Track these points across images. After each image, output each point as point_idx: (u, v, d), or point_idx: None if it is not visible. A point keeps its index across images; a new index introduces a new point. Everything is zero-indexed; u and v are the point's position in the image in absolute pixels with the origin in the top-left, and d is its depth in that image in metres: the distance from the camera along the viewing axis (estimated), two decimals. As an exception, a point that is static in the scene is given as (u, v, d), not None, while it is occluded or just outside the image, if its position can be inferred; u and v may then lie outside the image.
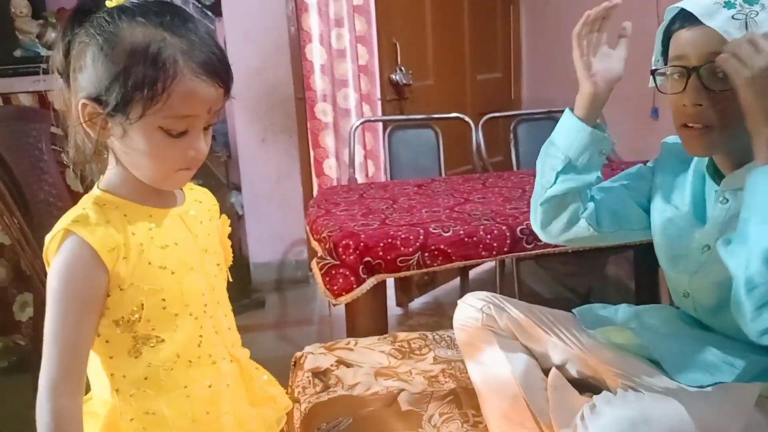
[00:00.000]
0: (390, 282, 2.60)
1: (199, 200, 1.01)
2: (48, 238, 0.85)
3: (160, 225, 0.91)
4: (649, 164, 1.24)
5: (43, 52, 3.23)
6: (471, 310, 1.30)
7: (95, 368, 0.90)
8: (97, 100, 0.82)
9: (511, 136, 3.11)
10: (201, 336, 0.94)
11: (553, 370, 1.24)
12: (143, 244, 0.87)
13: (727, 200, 1.03)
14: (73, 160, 0.91)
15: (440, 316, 2.95)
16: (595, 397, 0.97)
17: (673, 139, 1.15)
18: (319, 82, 3.53)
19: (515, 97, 3.95)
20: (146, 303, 0.87)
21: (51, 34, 3.26)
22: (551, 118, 3.16)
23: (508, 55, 3.93)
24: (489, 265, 3.23)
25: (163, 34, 0.81)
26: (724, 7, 0.94)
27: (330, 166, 3.65)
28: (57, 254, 0.83)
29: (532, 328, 1.25)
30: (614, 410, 0.91)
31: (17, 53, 3.22)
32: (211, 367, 0.95)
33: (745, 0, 0.94)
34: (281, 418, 1.10)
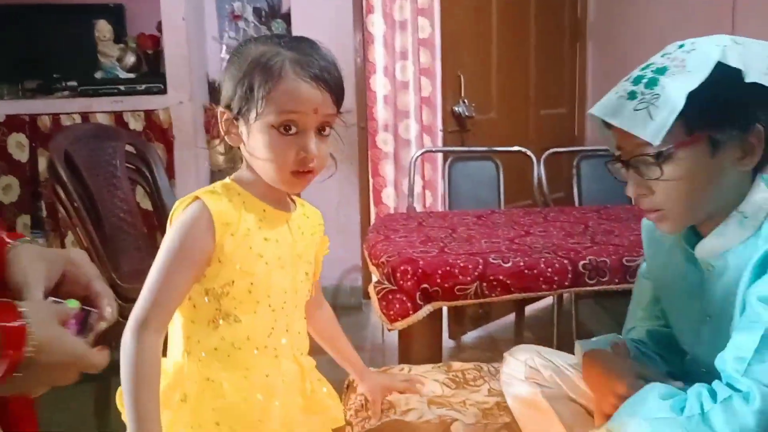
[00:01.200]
0: (444, 314, 2.58)
1: (307, 215, 1.14)
2: (177, 202, 0.99)
3: (269, 220, 1.02)
4: (642, 270, 1.24)
5: (122, 74, 3.40)
6: (516, 363, 1.30)
7: (175, 329, 1.01)
8: (228, 107, 0.98)
9: (574, 171, 3.07)
10: (273, 328, 1.03)
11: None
12: (250, 230, 0.98)
13: (713, 267, 1.00)
14: (218, 167, 1.08)
15: (493, 351, 2.89)
16: None
17: None
18: (381, 112, 3.58)
19: (579, 134, 3.90)
20: (237, 282, 0.98)
21: (130, 58, 3.43)
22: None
23: (573, 91, 3.89)
24: (546, 301, 3.16)
25: (279, 48, 0.96)
26: (628, 99, 0.94)
27: (388, 195, 3.68)
28: (182, 213, 0.96)
29: (577, 379, 1.22)
30: None
31: (98, 75, 3.41)
32: (273, 360, 1.04)
33: (646, 85, 0.93)
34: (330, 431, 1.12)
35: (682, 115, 0.90)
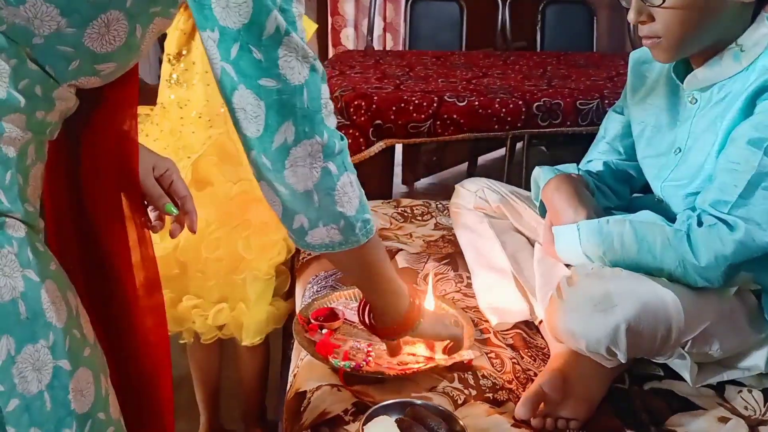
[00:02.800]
0: (398, 160, 2.59)
1: None
2: None
3: None
4: (617, 104, 1.23)
5: None
6: (466, 193, 1.31)
7: None
8: None
9: (539, 17, 2.98)
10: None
11: (538, 245, 1.25)
12: None
13: (696, 99, 1.01)
14: None
15: (444, 198, 2.95)
16: (573, 268, 0.98)
17: (640, 50, 1.14)
18: (341, -56, 3.34)
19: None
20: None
21: None
22: (582, 2, 3.01)
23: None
24: (498, 152, 3.20)
25: None
26: None
27: (347, 36, 3.53)
28: None
29: (522, 209, 1.25)
30: (590, 283, 0.91)
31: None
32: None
33: None
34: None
35: None
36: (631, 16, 0.98)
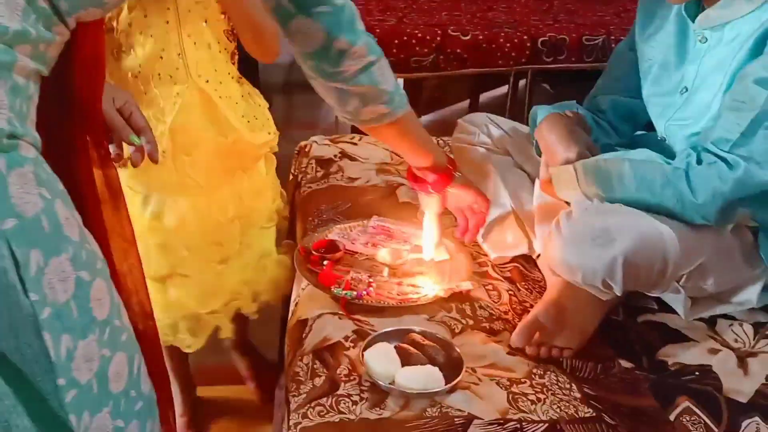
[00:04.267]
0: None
1: None
2: None
3: None
4: (625, 41, 1.21)
5: None
6: (468, 128, 1.30)
7: None
8: None
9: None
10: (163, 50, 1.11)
11: (538, 182, 1.25)
12: None
13: (706, 39, 1.00)
14: None
15: (445, 134, 2.94)
16: (573, 203, 0.98)
17: None
18: None
19: None
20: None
21: None
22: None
23: None
24: (501, 90, 3.16)
25: None
26: None
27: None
28: None
29: (524, 145, 1.25)
30: (588, 217, 0.92)
31: None
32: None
33: None
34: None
35: None
36: None
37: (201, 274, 1.24)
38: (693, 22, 1.01)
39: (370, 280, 1.06)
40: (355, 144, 1.63)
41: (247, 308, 1.31)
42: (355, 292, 1.01)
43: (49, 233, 0.57)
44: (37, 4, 0.59)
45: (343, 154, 1.57)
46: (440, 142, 1.67)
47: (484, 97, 3.26)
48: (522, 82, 2.93)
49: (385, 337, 0.91)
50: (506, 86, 2.79)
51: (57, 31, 0.63)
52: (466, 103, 3.22)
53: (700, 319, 1.02)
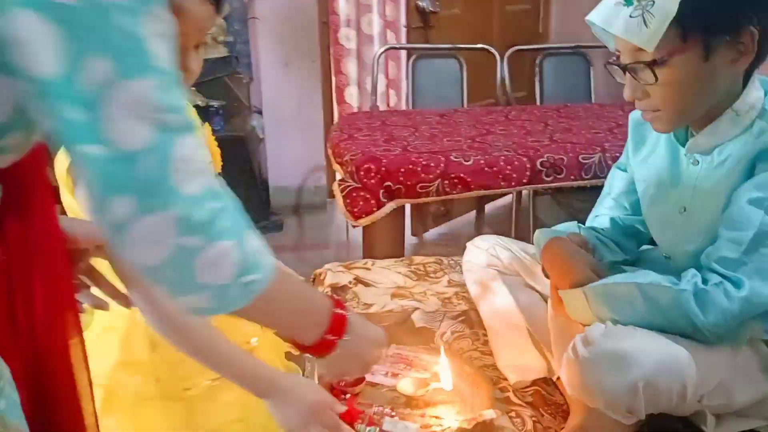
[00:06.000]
0: (406, 212, 2.65)
1: None
2: None
3: None
4: (620, 161, 1.27)
5: None
6: (478, 251, 1.35)
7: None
8: None
9: (537, 70, 3.07)
10: None
11: (551, 302, 1.28)
12: None
13: (698, 161, 1.05)
14: None
15: (454, 247, 2.98)
16: (587, 328, 1.00)
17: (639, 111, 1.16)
18: (343, 6, 3.46)
19: (543, 30, 3.86)
20: None
21: None
22: (578, 54, 3.11)
23: (538, -14, 3.82)
24: (505, 200, 3.25)
25: None
26: (624, 5, 0.94)
27: (351, 94, 3.63)
28: None
29: (534, 266, 1.29)
30: (604, 342, 0.93)
31: None
32: None
33: None
34: None
35: (677, 21, 0.91)
36: (626, 93, 1.02)
37: None
38: (683, 146, 1.08)
39: (393, 414, 1.06)
40: (368, 269, 1.67)
41: None
42: (378, 428, 1.01)
43: None
44: None
45: (358, 280, 1.61)
46: (451, 261, 1.72)
47: (490, 207, 3.35)
48: (525, 192, 3.02)
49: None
50: (510, 196, 2.88)
51: None
52: (472, 214, 3.31)
53: (729, 436, 1.01)
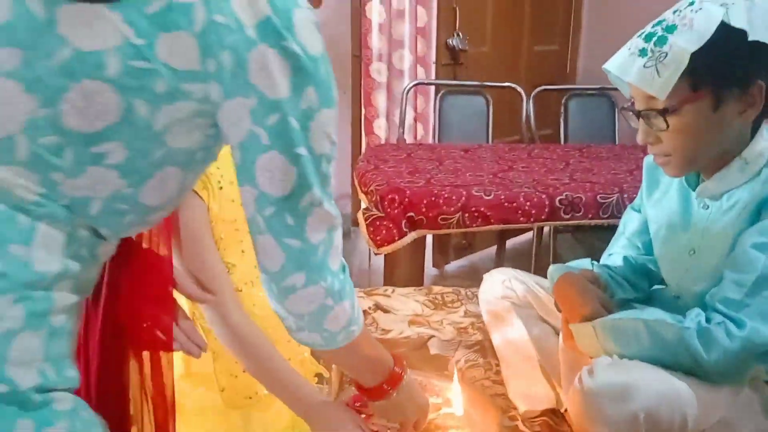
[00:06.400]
0: (428, 243, 2.70)
1: None
2: None
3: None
4: (635, 202, 1.32)
5: None
6: (494, 283, 1.41)
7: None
8: None
9: (562, 109, 3.13)
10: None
11: (562, 335, 1.31)
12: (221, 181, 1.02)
13: (708, 206, 1.09)
14: None
15: (473, 280, 3.00)
16: (594, 360, 1.03)
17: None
18: (376, 41, 3.57)
19: (570, 71, 3.93)
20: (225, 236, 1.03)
21: None
22: (604, 95, 3.17)
23: (567, 28, 3.89)
24: (526, 236, 3.28)
25: None
26: (639, 56, 1.00)
27: (379, 126, 3.72)
28: None
29: (548, 300, 1.33)
30: (609, 374, 0.97)
31: None
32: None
33: (656, 43, 0.99)
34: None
35: (688, 72, 0.97)
36: (639, 138, 1.07)
37: None
38: (693, 191, 1.12)
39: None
40: (388, 296, 1.73)
41: None
42: (391, 449, 1.06)
43: None
44: (78, 233, 0.59)
45: (377, 307, 1.66)
46: (469, 293, 1.77)
47: (511, 242, 3.39)
48: (546, 229, 3.06)
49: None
50: (531, 231, 2.91)
51: (102, 252, 0.63)
52: (493, 249, 3.35)
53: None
